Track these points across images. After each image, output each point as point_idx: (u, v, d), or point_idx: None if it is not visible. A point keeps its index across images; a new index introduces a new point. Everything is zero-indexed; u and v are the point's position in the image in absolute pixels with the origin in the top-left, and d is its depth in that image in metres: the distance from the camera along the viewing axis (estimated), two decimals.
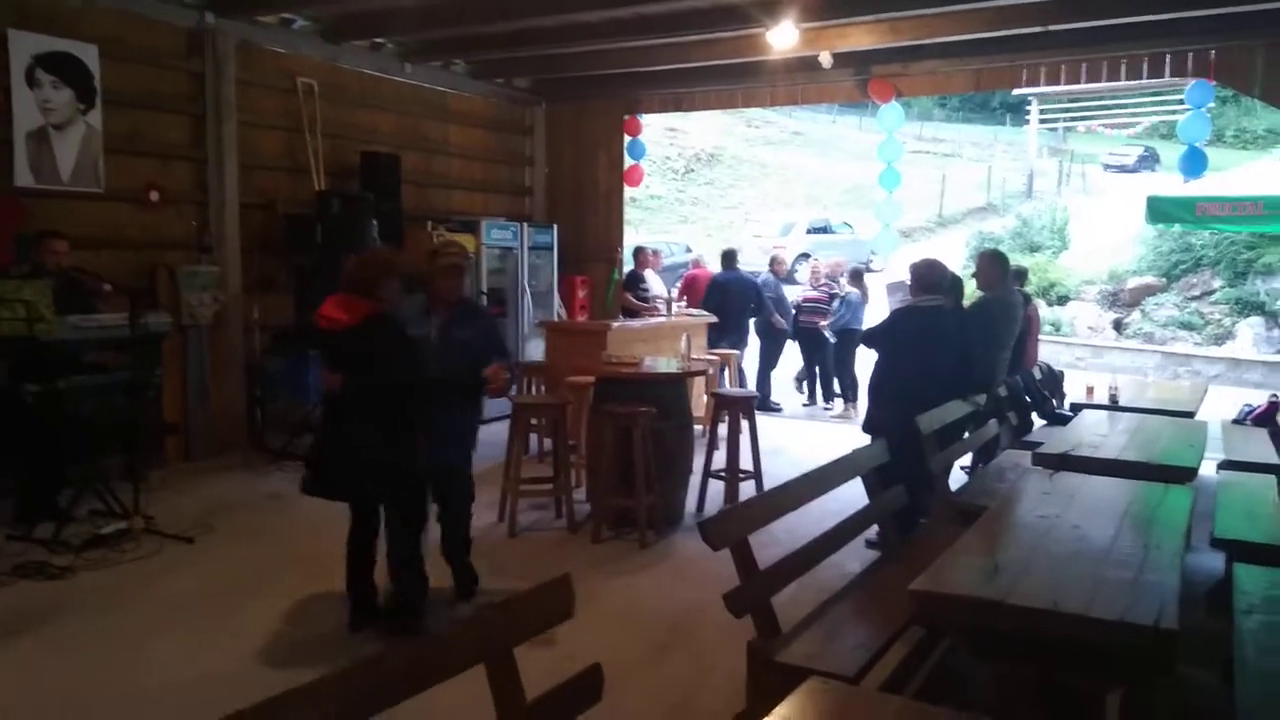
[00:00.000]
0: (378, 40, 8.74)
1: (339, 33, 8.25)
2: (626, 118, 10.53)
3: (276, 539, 5.64)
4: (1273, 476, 5.42)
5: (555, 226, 10.16)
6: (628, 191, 10.93)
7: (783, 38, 7.46)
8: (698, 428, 7.12)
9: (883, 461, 4.35)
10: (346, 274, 4.14)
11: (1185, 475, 4.53)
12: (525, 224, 9.81)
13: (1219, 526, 4.32)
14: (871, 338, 5.81)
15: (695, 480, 6.34)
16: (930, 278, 5.64)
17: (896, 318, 5.85)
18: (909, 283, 5.92)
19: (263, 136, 7.88)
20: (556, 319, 9.65)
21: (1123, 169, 28.22)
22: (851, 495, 4.19)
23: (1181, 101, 12.26)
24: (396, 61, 9.07)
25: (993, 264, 6.45)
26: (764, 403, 9.22)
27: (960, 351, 5.66)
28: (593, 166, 10.66)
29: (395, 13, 7.88)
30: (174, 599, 4.61)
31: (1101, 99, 25.03)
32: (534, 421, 6.70)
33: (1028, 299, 7.78)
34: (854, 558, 4.84)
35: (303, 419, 7.38)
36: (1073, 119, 28.61)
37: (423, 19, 7.88)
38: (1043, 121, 27.27)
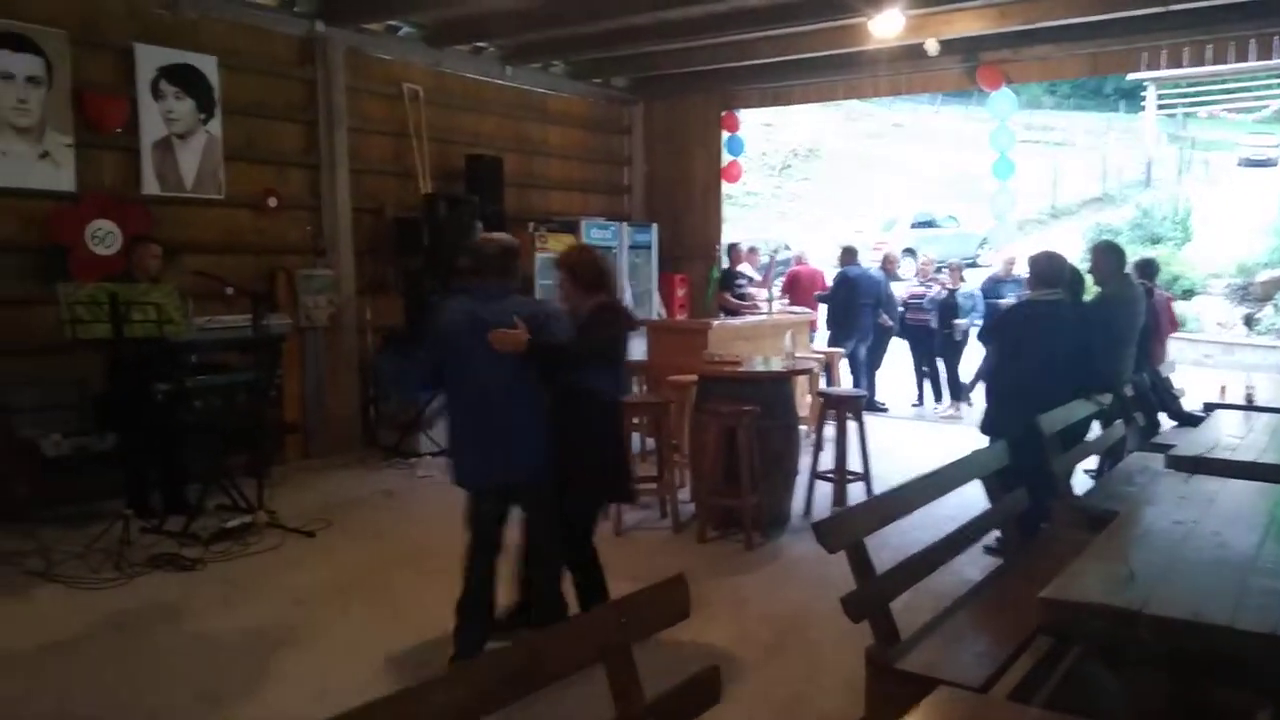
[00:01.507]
0: (480, 44, 8.88)
1: (442, 38, 8.42)
2: (724, 114, 10.45)
3: (393, 534, 5.79)
4: None
5: (654, 225, 10.16)
6: (724, 188, 10.84)
7: (887, 26, 7.27)
8: (803, 428, 7.00)
9: (1004, 464, 4.19)
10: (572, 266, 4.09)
11: None
12: (624, 223, 9.84)
13: None
14: (988, 333, 5.60)
15: (802, 481, 6.23)
16: (1049, 271, 5.41)
17: (1014, 313, 5.63)
18: (997, 275, 5.70)
19: (371, 142, 8.11)
20: (656, 317, 9.64)
21: (1263, 163, 25.15)
22: (963, 500, 4.04)
23: None
24: (498, 65, 9.21)
25: (1108, 257, 6.18)
26: (870, 402, 9.03)
27: (1081, 348, 5.41)
28: (690, 164, 10.61)
29: (496, 16, 8.00)
30: (299, 591, 4.76)
31: (1224, 81, 23.56)
32: (636, 420, 6.69)
33: (1150, 292, 7.40)
34: (971, 564, 4.67)
35: (414, 418, 7.56)
36: (1193, 104, 27.07)
37: (522, 21, 7.98)
38: (1160, 107, 25.91)
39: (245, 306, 5.92)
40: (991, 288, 9.46)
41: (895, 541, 3.91)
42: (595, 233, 9.25)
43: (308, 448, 7.53)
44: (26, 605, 4.56)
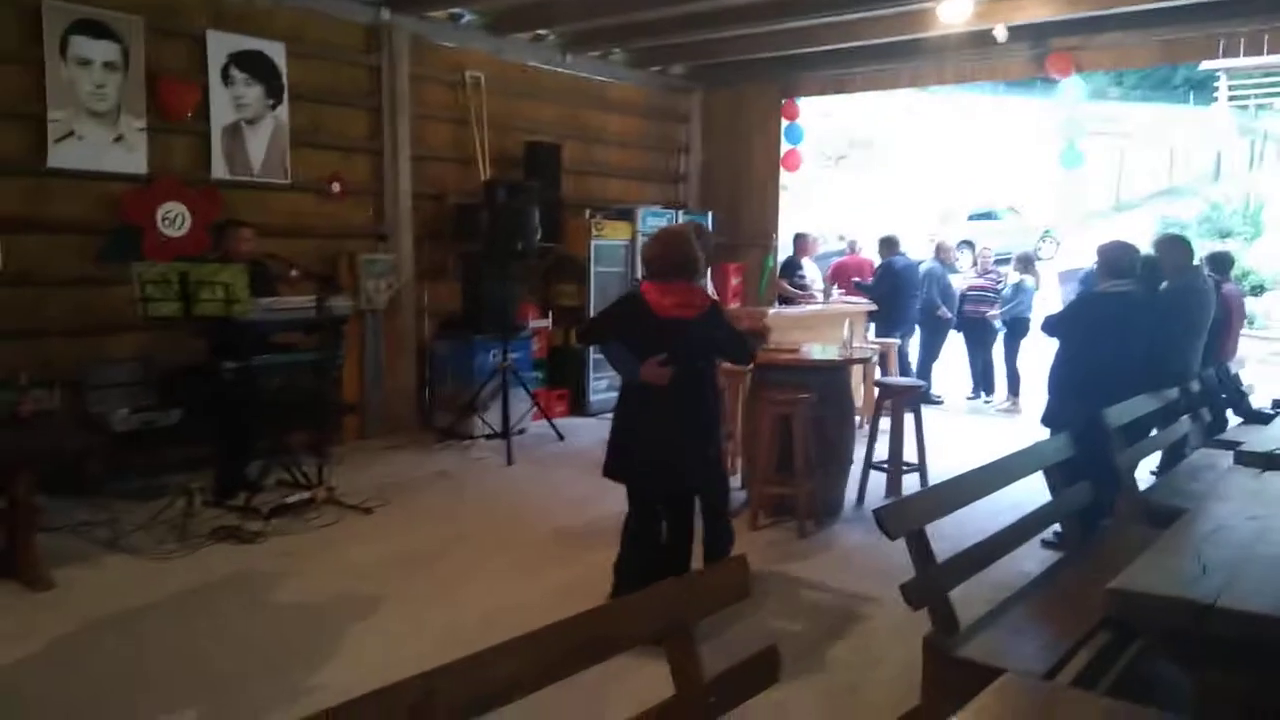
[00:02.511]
0: (540, 32, 8.92)
1: (504, 25, 8.48)
2: (784, 102, 10.35)
3: (449, 513, 5.87)
4: None
5: (710, 213, 10.13)
6: (782, 177, 10.75)
7: (955, 12, 7.16)
8: (858, 418, 6.94)
9: (1067, 456, 4.12)
10: (660, 259, 4.08)
11: None
12: (680, 211, 9.82)
13: None
14: (1054, 325, 5.49)
15: (855, 471, 6.18)
16: (1121, 261, 5.29)
17: (1083, 304, 5.54)
18: (1095, 267, 5.58)
19: (433, 129, 8.20)
20: None
21: None
22: (1019, 493, 3.98)
23: None
24: (558, 52, 9.24)
25: (1174, 249, 6.03)
26: (925, 395, 8.91)
27: (1151, 342, 5.29)
28: (749, 152, 10.54)
29: (557, 4, 8.03)
30: (358, 566, 4.86)
31: None
32: None
33: (1220, 285, 7.19)
34: (1030, 557, 4.61)
35: (469, 401, 7.65)
36: (1267, 94, 26.16)
37: (583, 8, 8.00)
38: (1232, 99, 25.09)
39: (309, 289, 6.03)
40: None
41: (952, 532, 3.86)
42: (651, 220, 9.25)
43: (364, 428, 7.66)
44: (97, 572, 4.72)
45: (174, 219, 6.44)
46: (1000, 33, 7.98)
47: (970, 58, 8.97)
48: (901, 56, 9.12)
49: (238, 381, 5.61)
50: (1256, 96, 26.29)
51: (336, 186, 7.43)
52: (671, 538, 4.25)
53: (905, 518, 3.07)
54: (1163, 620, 2.54)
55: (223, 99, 6.77)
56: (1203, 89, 29.27)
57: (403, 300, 7.83)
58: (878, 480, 6.31)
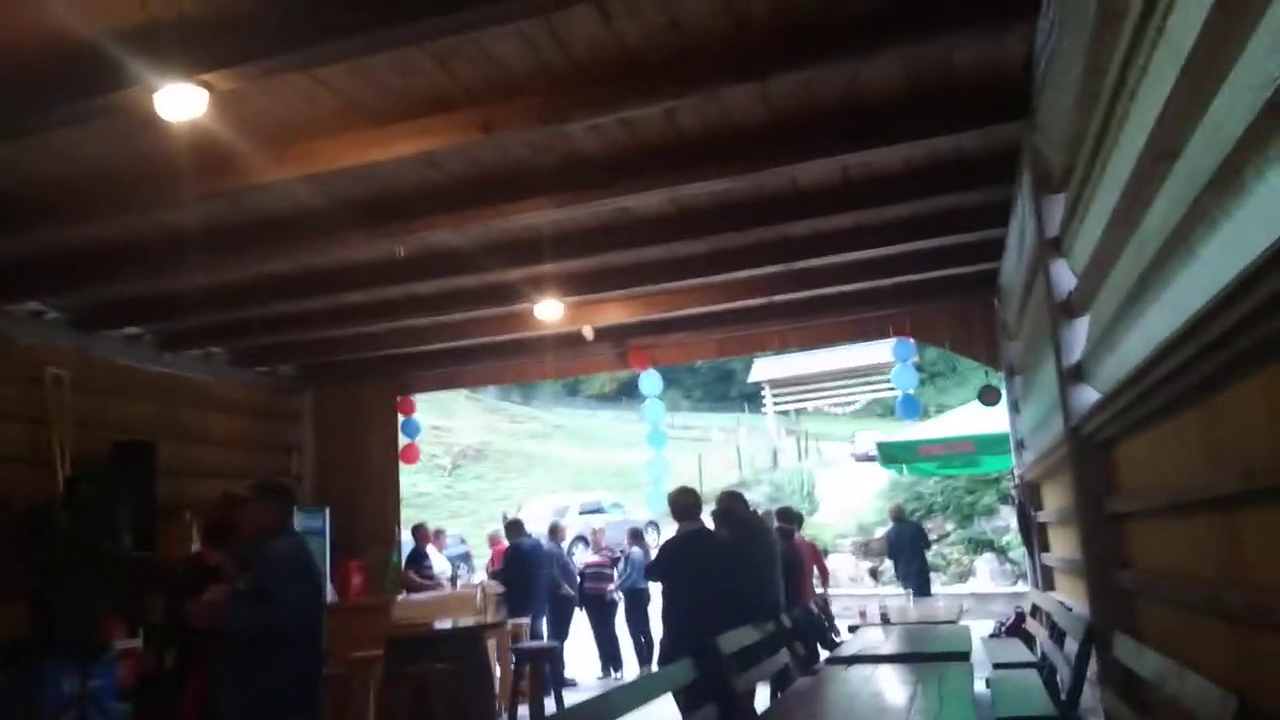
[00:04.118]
0: (132, 331, 8.57)
1: (90, 322, 8.03)
2: (399, 398, 10.70)
3: None
4: (1033, 670, 6.01)
5: (326, 510, 9.84)
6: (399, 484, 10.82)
7: (548, 312, 8.13)
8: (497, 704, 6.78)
9: (692, 679, 4.41)
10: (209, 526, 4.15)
11: (961, 657, 4.92)
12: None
13: (1000, 710, 4.70)
14: (651, 569, 6.03)
15: None
16: (685, 502, 6.05)
17: (667, 544, 6.15)
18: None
19: (2, 429, 7.32)
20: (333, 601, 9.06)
21: (867, 457, 30.48)
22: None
23: (887, 382, 14.20)
24: (154, 350, 8.88)
25: (732, 499, 6.96)
26: (558, 678, 8.92)
27: (736, 579, 5.94)
28: (366, 449, 10.58)
29: (144, 301, 7.79)
30: None
31: (823, 383, 28.36)
32: None
33: (789, 535, 8.33)
34: None
35: None
36: (801, 400, 31.86)
37: (172, 307, 7.84)
38: (776, 405, 30.21)
39: None
40: None
41: None
42: None
43: None
44: None
45: None
46: (588, 332, 9.16)
47: (566, 355, 10.08)
48: (507, 354, 10.01)
49: None
50: (793, 403, 31.90)
51: None
52: None
53: None
54: None
55: None
56: (754, 400, 34.94)
57: None
58: None
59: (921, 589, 10.86)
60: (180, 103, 3.90)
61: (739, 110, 4.95)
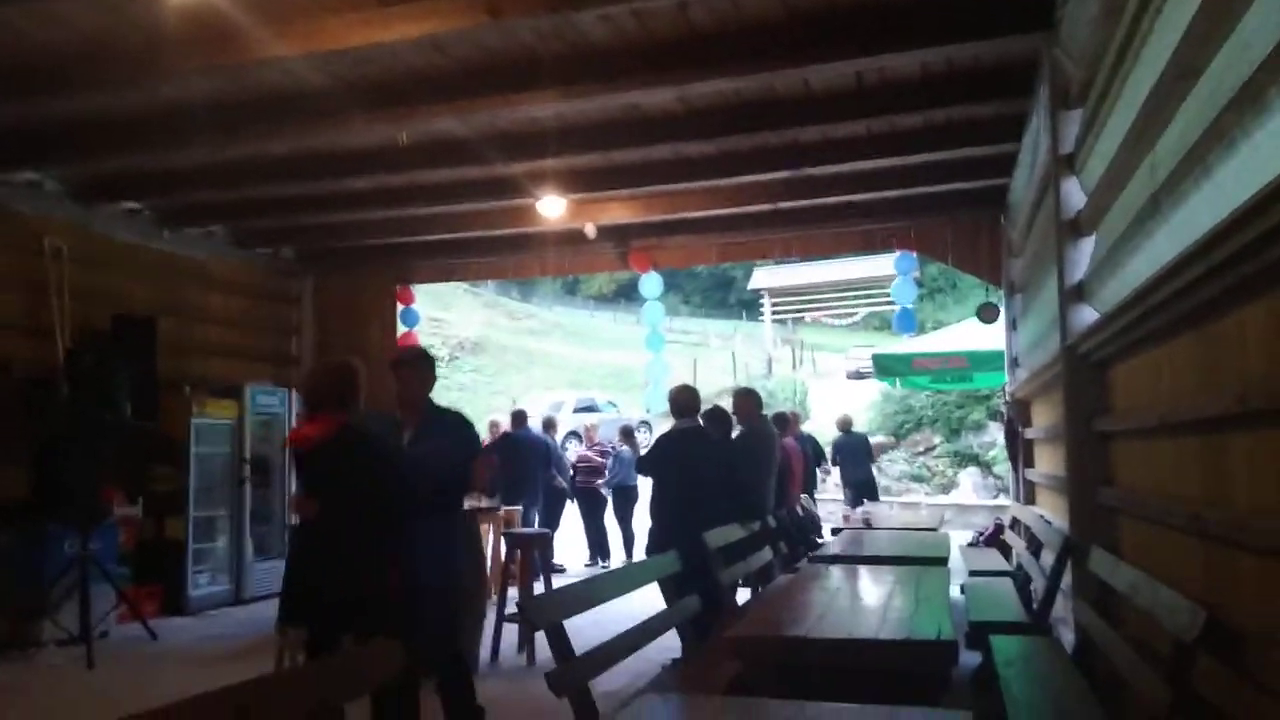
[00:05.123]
0: (132, 205, 8.50)
1: (89, 195, 7.97)
2: (399, 287, 10.69)
3: None
4: (1008, 578, 6.21)
5: None
6: None
7: (551, 208, 8.06)
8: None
9: (676, 570, 4.55)
10: (307, 389, 3.98)
11: (939, 562, 5.07)
12: (292, 390, 9.52)
13: (974, 614, 4.88)
14: (644, 463, 6.14)
15: (488, 627, 6.16)
16: (684, 400, 6.13)
17: (662, 439, 6.25)
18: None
19: None
20: None
21: (859, 375, 30.40)
22: (649, 607, 4.30)
23: (885, 296, 14.14)
24: (154, 227, 8.83)
25: (748, 399, 7.10)
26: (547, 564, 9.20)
27: (727, 477, 6.08)
28: (365, 335, 10.60)
29: (145, 175, 7.73)
30: None
31: (823, 293, 28.29)
32: None
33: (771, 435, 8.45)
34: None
35: (36, 604, 6.53)
36: (799, 310, 31.87)
37: (173, 182, 7.77)
38: (774, 314, 30.23)
39: None
40: None
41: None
42: (261, 398, 8.89)
43: None
44: None
45: None
46: (590, 230, 9.09)
47: (567, 253, 10.03)
48: (508, 249, 9.96)
49: None
50: (792, 312, 31.90)
51: None
52: None
53: (546, 612, 3.22)
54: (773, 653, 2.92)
55: None
56: (752, 307, 34.95)
57: None
58: (510, 637, 6.32)
59: (863, 497, 11.13)
60: None
61: (754, 5, 4.82)
